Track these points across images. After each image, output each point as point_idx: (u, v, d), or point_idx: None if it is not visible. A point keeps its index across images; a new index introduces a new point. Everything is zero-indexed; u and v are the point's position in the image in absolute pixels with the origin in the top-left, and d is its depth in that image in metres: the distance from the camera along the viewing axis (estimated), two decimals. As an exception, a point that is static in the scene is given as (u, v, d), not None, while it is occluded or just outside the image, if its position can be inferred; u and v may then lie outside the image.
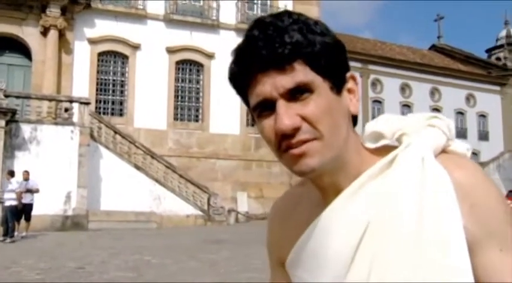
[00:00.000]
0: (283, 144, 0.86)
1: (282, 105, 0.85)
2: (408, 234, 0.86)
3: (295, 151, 0.85)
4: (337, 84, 0.89)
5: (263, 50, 0.84)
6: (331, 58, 0.88)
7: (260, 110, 0.88)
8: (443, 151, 0.93)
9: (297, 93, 0.85)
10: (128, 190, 19.45)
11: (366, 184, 0.91)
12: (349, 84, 0.92)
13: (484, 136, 46.97)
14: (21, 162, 17.33)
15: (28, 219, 15.28)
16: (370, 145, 0.94)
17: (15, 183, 14.79)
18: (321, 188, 0.95)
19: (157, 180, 20.40)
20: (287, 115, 0.84)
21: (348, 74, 0.91)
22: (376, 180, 0.91)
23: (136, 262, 10.04)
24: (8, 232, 14.24)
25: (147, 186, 20.01)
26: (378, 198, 0.90)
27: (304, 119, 0.85)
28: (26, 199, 15.03)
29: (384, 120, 0.96)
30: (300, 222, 1.00)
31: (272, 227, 1.11)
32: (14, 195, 14.65)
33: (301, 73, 0.85)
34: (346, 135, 0.89)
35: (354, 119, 0.95)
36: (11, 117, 17.21)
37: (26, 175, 15.33)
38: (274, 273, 1.11)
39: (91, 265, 9.80)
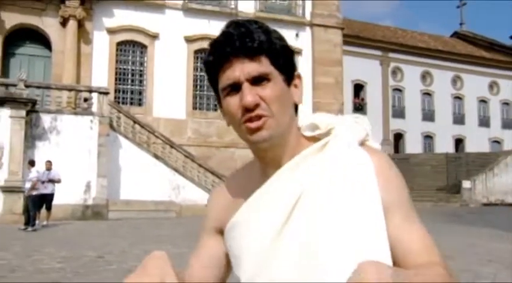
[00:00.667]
0: (245, 116, 1.11)
1: (247, 86, 1.10)
2: (339, 200, 1.10)
3: (253, 124, 1.10)
4: (288, 79, 1.15)
5: (237, 42, 1.09)
6: (286, 58, 1.15)
7: (228, 91, 1.13)
8: (363, 144, 1.20)
9: (258, 80, 1.10)
10: (147, 179, 19.51)
11: (301, 162, 1.16)
12: (296, 81, 1.18)
13: (507, 124, 46.18)
14: (41, 152, 17.45)
15: (49, 208, 15.36)
16: (308, 133, 1.22)
17: (35, 172, 14.83)
18: (263, 162, 1.20)
19: (176, 170, 20.42)
20: (251, 94, 1.09)
21: (296, 73, 1.18)
22: (311, 159, 1.17)
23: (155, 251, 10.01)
24: (30, 221, 14.31)
25: (166, 175, 20.04)
26: (311, 173, 1.15)
27: (262, 99, 1.10)
28: (47, 189, 15.07)
29: (319, 115, 1.24)
30: (243, 194, 1.22)
31: (216, 201, 1.31)
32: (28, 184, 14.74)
33: (264, 65, 1.11)
34: (291, 119, 1.16)
35: (296, 109, 1.19)
36: (32, 107, 17.31)
37: (49, 165, 15.40)
38: (207, 238, 1.31)
39: (111, 255, 9.82)
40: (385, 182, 1.12)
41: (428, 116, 43.24)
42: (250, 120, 1.10)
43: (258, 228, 1.16)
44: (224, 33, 1.13)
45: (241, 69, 1.10)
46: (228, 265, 1.29)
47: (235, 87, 1.11)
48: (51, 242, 11.75)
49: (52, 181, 15.25)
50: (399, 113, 42.06)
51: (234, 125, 1.15)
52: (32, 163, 15.17)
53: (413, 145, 41.01)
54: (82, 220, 17.08)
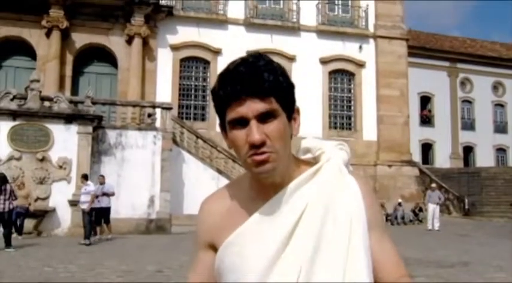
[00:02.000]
0: (251, 151, 1.21)
1: (254, 123, 1.20)
2: (337, 216, 1.27)
3: (259, 157, 1.20)
4: (290, 114, 1.26)
5: (248, 82, 1.20)
6: (290, 96, 1.26)
7: (234, 124, 1.22)
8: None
9: (265, 117, 1.20)
10: (210, 194, 19.52)
11: (300, 185, 1.29)
12: (295, 115, 1.29)
13: None
14: (107, 166, 17.87)
15: (107, 221, 15.66)
16: (301, 156, 1.39)
17: (92, 186, 15.02)
18: (263, 187, 1.29)
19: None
20: (258, 131, 1.19)
21: (295, 107, 1.29)
22: (309, 182, 1.30)
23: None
24: (86, 235, 14.33)
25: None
26: (311, 193, 1.28)
27: (267, 135, 1.20)
28: (102, 202, 15.33)
29: (310, 140, 1.39)
30: (236, 213, 1.32)
31: (208, 215, 1.38)
32: (85, 198, 14.70)
33: (272, 104, 1.20)
34: (289, 151, 1.26)
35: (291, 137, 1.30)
36: (98, 123, 17.79)
37: (102, 180, 15.74)
38: (203, 253, 1.38)
39: (170, 269, 9.83)
40: (369, 204, 1.31)
41: (501, 128, 41.51)
42: (256, 153, 1.20)
43: (266, 240, 1.25)
44: (235, 71, 1.23)
45: (250, 107, 1.19)
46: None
47: (242, 122, 1.20)
48: (113, 256, 11.92)
49: (106, 194, 15.51)
50: (469, 125, 40.62)
51: (239, 155, 1.24)
52: (85, 177, 15.31)
53: (484, 159, 39.39)
54: (145, 234, 17.29)
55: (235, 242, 1.29)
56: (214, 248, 1.35)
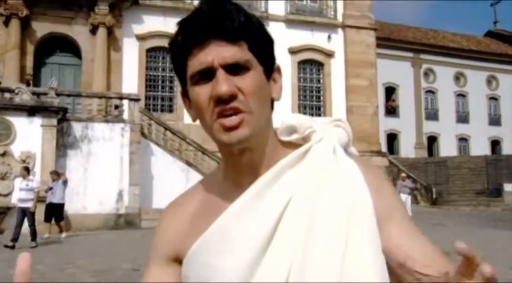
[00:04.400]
0: (217, 109, 0.92)
1: (222, 73, 0.92)
2: (329, 207, 0.95)
3: (228, 122, 0.92)
4: (267, 71, 0.99)
5: (213, 20, 0.92)
6: (266, 46, 0.99)
7: (198, 78, 0.94)
8: (345, 149, 1.04)
9: (236, 68, 0.93)
10: (180, 187, 19.01)
11: (284, 171, 1.00)
12: (275, 75, 1.02)
13: (546, 125, 44.73)
14: (73, 160, 17.25)
15: (59, 219, 14.55)
16: (285, 137, 1.04)
17: (36, 182, 13.64)
18: (236, 170, 1.01)
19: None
20: (226, 82, 0.91)
21: (276, 65, 1.02)
22: (294, 168, 1.01)
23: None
24: (17, 238, 12.69)
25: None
26: (297, 181, 0.99)
27: (240, 90, 0.93)
28: (56, 198, 14.38)
29: (297, 117, 1.05)
30: (207, 212, 1.02)
31: (170, 223, 1.09)
32: (27, 195, 13.02)
33: (244, 51, 0.94)
34: (269, 116, 1.00)
35: (272, 106, 1.02)
36: (63, 115, 17.12)
37: (55, 176, 14.72)
38: (158, 270, 1.06)
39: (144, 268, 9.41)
40: (377, 191, 1.00)
41: (463, 117, 42.24)
42: (224, 115, 0.93)
43: (239, 245, 0.96)
44: (197, 11, 0.97)
45: (216, 53, 0.93)
46: None
47: (207, 75, 0.94)
48: (84, 254, 11.42)
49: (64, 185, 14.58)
50: (432, 115, 41.20)
51: (203, 120, 0.96)
52: (27, 170, 13.65)
53: (447, 148, 40.08)
54: (114, 230, 16.78)
55: (200, 251, 0.99)
56: (178, 262, 1.05)
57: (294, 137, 1.05)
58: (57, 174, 14.90)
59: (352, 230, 0.95)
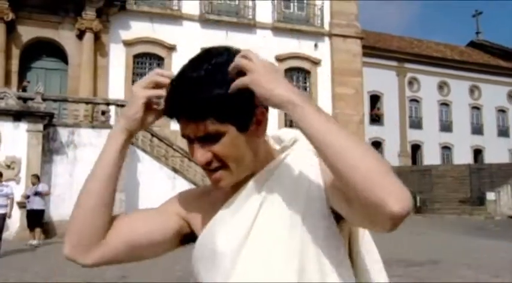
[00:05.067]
0: (204, 168, 1.15)
1: (197, 146, 1.12)
2: (291, 208, 1.12)
3: (213, 176, 1.15)
4: (242, 125, 1.10)
5: (181, 104, 1.09)
6: (236, 109, 1.08)
7: (187, 140, 1.14)
8: None
9: (209, 138, 1.09)
10: (166, 193, 18.89)
11: (266, 175, 1.17)
12: (259, 117, 1.12)
13: (528, 134, 45.31)
14: (59, 166, 17.12)
15: (38, 226, 14.32)
16: (276, 146, 1.25)
17: (10, 188, 13.17)
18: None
19: (195, 183, 19.92)
20: (200, 153, 1.11)
21: (257, 110, 1.11)
22: (269, 177, 1.17)
23: (185, 272, 9.56)
24: None
25: (185, 189, 19.56)
26: (268, 188, 1.15)
27: (215, 154, 1.11)
28: (36, 204, 14.13)
29: (285, 130, 1.28)
30: (211, 207, 1.22)
31: (192, 197, 1.31)
32: (3, 202, 12.52)
33: (212, 124, 1.08)
34: (253, 156, 1.15)
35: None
36: (49, 121, 16.99)
37: (34, 180, 14.48)
38: (159, 214, 1.27)
39: (135, 275, 9.36)
40: (329, 180, 1.10)
41: (446, 126, 42.63)
42: (209, 170, 1.14)
43: (220, 243, 1.15)
44: (172, 85, 1.13)
45: (190, 129, 1.10)
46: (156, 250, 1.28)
47: (191, 140, 1.12)
48: (67, 263, 11.29)
49: (40, 194, 14.20)
50: (416, 124, 41.51)
51: None
52: (0, 175, 13.18)
53: (431, 157, 40.38)
54: (100, 236, 16.64)
55: (194, 256, 1.22)
56: (183, 221, 1.28)
57: (282, 145, 1.24)
58: (38, 178, 14.67)
59: (305, 226, 1.12)
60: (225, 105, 1.06)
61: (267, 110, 1.13)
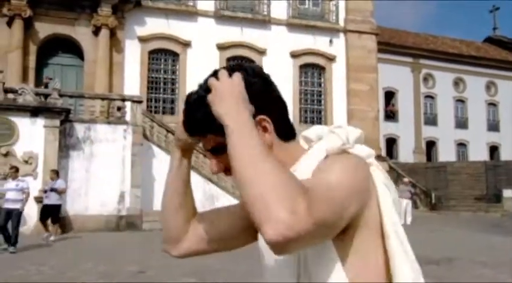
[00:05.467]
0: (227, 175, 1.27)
1: (211, 157, 1.27)
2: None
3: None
4: None
5: (188, 125, 1.30)
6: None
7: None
8: (345, 151, 1.15)
9: (217, 150, 1.23)
10: (180, 189, 19.07)
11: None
12: (263, 124, 1.21)
13: (545, 131, 44.79)
14: (75, 161, 17.25)
15: (55, 220, 14.36)
16: (304, 146, 1.28)
17: (27, 182, 13.03)
18: None
19: (210, 179, 20.01)
20: (213, 163, 1.27)
21: (257, 119, 1.18)
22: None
23: (199, 267, 9.60)
24: (13, 242, 12.09)
25: (200, 185, 19.62)
26: None
27: (226, 165, 1.22)
28: (51, 199, 14.15)
29: (314, 128, 1.30)
30: None
31: None
32: (16, 196, 12.44)
33: (212, 140, 1.23)
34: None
35: (288, 132, 1.26)
36: (66, 116, 17.12)
37: (52, 175, 14.49)
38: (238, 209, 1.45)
39: (152, 269, 9.43)
40: (316, 171, 1.12)
41: (462, 123, 42.31)
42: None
43: (259, 241, 1.31)
44: (184, 111, 1.33)
45: (203, 143, 1.28)
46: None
47: (207, 152, 1.30)
48: (87, 255, 11.42)
49: (55, 191, 14.15)
50: (431, 121, 41.24)
51: None
52: (17, 170, 13.17)
53: (446, 154, 40.10)
54: (115, 232, 16.77)
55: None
56: None
57: (312, 145, 1.26)
58: (57, 173, 14.74)
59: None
60: (215, 120, 1.15)
61: (270, 117, 1.20)
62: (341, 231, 1.09)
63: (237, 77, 1.18)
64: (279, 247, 0.98)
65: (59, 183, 14.52)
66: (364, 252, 1.13)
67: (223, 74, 1.19)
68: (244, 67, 1.24)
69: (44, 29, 22.57)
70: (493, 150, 42.94)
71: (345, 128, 1.22)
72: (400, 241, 1.16)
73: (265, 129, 1.21)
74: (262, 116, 1.19)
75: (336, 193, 1.02)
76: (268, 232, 0.96)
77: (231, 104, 1.13)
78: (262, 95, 1.21)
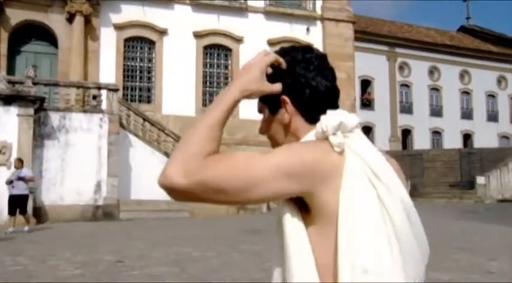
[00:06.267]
0: None
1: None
2: None
3: None
4: (271, 107, 1.37)
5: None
6: (268, 95, 1.34)
7: None
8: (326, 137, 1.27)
9: (259, 111, 1.42)
10: (158, 178, 18.94)
11: None
12: (284, 104, 1.34)
13: (516, 119, 45.59)
14: (50, 150, 17.00)
15: (23, 211, 13.92)
16: (319, 136, 1.30)
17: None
18: None
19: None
20: (260, 124, 1.43)
21: (281, 98, 1.34)
22: None
23: (177, 255, 9.55)
24: None
25: None
26: None
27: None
28: (18, 189, 13.75)
29: (329, 113, 1.31)
30: None
31: None
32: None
33: (259, 104, 1.41)
34: (283, 138, 1.37)
35: (311, 113, 1.34)
36: (40, 105, 16.82)
37: (17, 164, 14.20)
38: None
39: (130, 259, 9.33)
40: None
41: (436, 111, 42.79)
42: None
43: None
44: None
45: None
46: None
47: None
48: (64, 245, 11.26)
49: (23, 179, 13.79)
50: (407, 109, 41.62)
51: None
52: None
53: (421, 141, 40.58)
54: (92, 222, 16.60)
55: None
56: None
57: (314, 133, 1.32)
58: (21, 162, 14.34)
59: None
60: (265, 97, 1.37)
61: (291, 98, 1.33)
62: (306, 211, 1.22)
63: (260, 56, 1.32)
64: (166, 190, 1.21)
65: (25, 171, 14.17)
66: (325, 236, 1.19)
67: (258, 54, 1.33)
68: (292, 51, 1.37)
69: (16, 15, 22.08)
70: (467, 137, 43.57)
71: (329, 114, 1.29)
72: (351, 237, 1.17)
73: (286, 109, 1.35)
74: (283, 97, 1.34)
75: (242, 165, 1.18)
76: (159, 177, 1.19)
77: (235, 78, 1.33)
78: (291, 78, 1.34)
